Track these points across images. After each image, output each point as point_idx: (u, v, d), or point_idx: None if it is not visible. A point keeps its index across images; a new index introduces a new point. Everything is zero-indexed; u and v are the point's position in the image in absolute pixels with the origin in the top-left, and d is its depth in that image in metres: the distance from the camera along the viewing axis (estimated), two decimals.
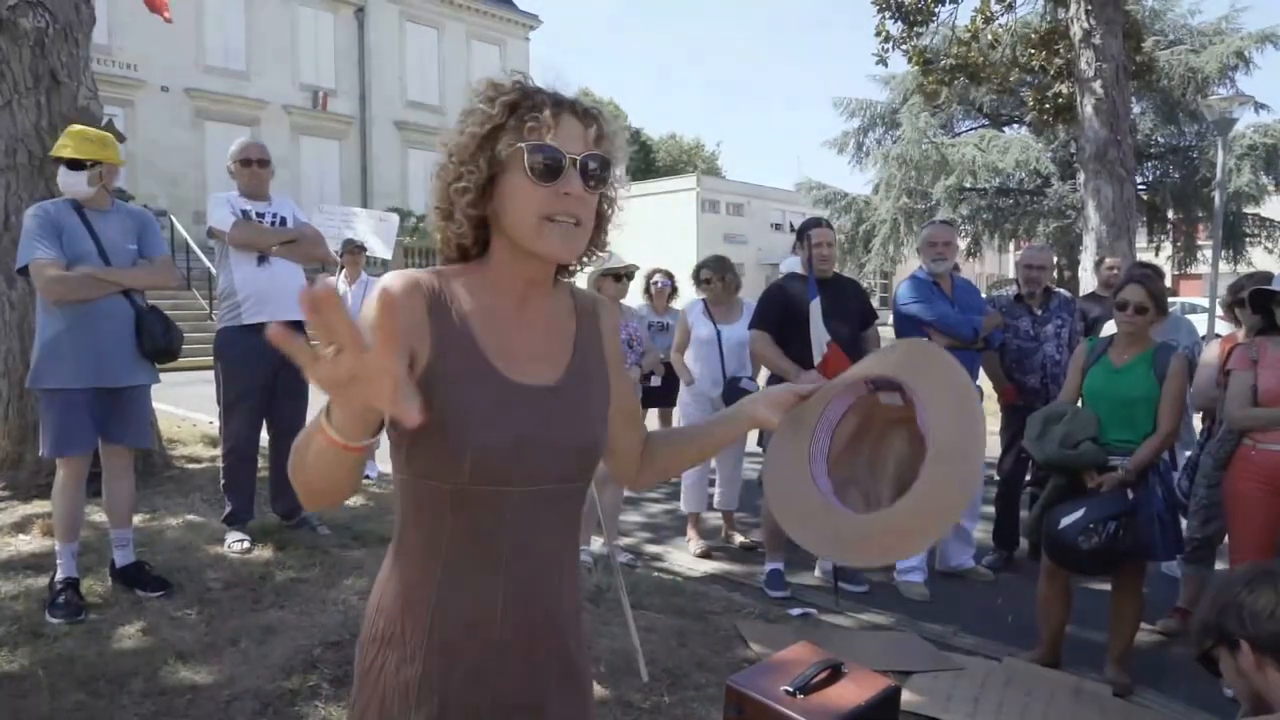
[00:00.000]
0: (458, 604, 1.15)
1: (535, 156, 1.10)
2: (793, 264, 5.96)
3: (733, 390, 4.89)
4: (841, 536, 1.26)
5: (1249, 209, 20.71)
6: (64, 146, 3.57)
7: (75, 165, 3.54)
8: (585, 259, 1.24)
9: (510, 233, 1.15)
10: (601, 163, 1.14)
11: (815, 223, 4.43)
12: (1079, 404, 3.51)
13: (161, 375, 3.85)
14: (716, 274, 5.15)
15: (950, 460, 1.19)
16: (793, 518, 1.32)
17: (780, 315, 4.25)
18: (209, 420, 8.02)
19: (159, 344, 3.63)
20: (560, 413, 1.18)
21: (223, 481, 4.49)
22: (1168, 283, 4.86)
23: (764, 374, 5.04)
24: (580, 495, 1.24)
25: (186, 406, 8.52)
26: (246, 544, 4.30)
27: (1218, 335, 6.14)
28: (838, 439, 1.34)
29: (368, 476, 6.20)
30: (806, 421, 1.34)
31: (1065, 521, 3.18)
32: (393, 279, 1.14)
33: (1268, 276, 3.99)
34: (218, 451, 6.13)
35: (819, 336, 4.05)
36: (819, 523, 1.28)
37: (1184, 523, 3.74)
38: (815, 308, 4.07)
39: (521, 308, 1.20)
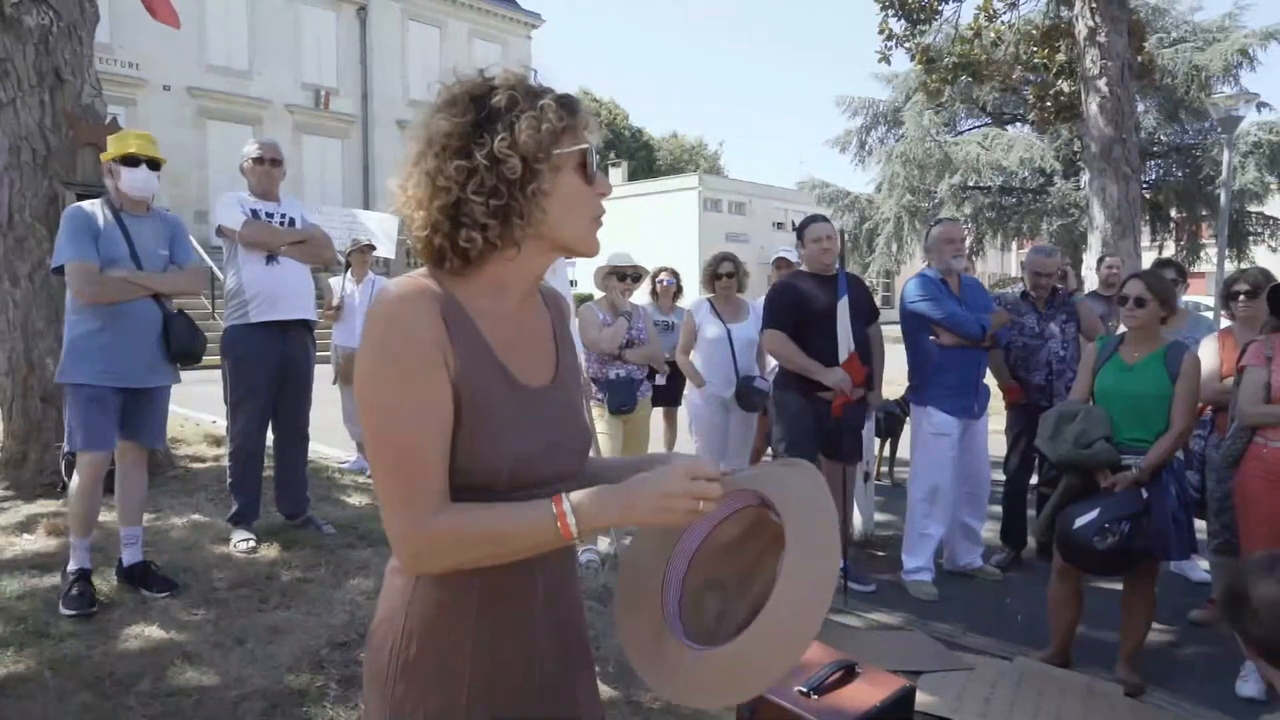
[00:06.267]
0: (500, 614, 1.16)
1: (590, 157, 1.12)
2: (785, 253, 5.97)
3: (747, 389, 4.88)
4: (664, 668, 1.16)
5: (1253, 207, 20.66)
6: (129, 146, 3.65)
7: (153, 165, 3.65)
8: None
9: (549, 231, 1.13)
10: None
11: (812, 220, 4.43)
12: (1090, 403, 3.49)
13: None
14: (737, 266, 5.15)
15: (783, 623, 1.07)
16: (629, 632, 1.23)
17: (796, 314, 4.21)
18: (212, 419, 8.01)
19: (186, 347, 3.71)
20: (562, 411, 1.21)
21: (229, 480, 4.47)
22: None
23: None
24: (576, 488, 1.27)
25: (190, 406, 8.48)
26: (252, 543, 4.29)
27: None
28: (715, 538, 1.25)
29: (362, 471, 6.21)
30: None
31: (1080, 522, 3.15)
32: (406, 292, 1.09)
33: (1265, 272, 4.00)
34: (222, 451, 6.11)
35: (846, 335, 4.03)
36: (651, 648, 1.19)
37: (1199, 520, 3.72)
38: (844, 306, 4.05)
39: (519, 308, 1.19)
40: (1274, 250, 20.89)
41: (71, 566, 3.57)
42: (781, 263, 5.92)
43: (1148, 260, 10.45)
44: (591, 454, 1.32)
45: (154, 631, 3.33)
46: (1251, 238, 21.19)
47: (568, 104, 1.12)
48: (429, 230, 1.11)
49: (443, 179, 1.08)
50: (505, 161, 1.07)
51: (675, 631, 1.18)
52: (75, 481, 3.59)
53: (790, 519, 1.12)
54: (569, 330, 1.32)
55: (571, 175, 1.12)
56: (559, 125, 1.10)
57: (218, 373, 4.47)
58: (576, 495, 1.05)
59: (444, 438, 1.08)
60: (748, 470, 1.28)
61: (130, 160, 3.61)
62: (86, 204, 3.65)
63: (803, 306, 4.20)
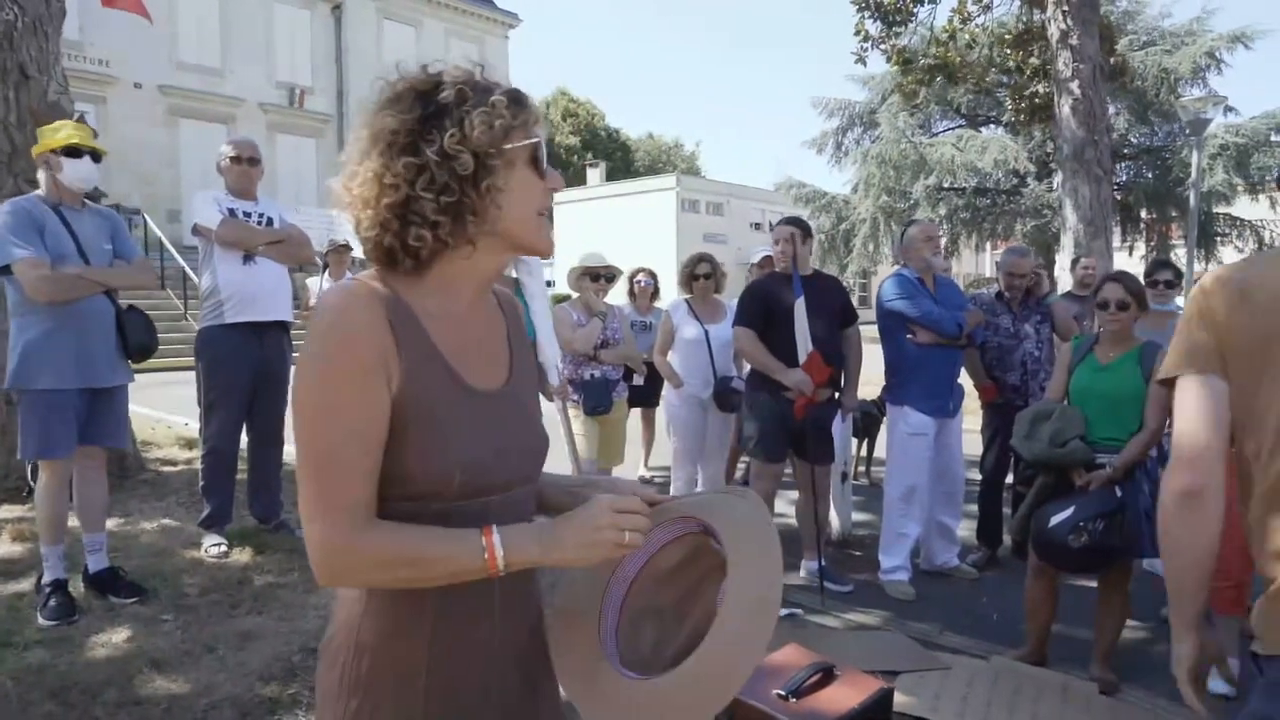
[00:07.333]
0: (456, 624, 1.13)
1: (542, 152, 1.11)
2: (767, 252, 5.98)
3: (724, 389, 4.87)
4: (597, 695, 1.14)
5: (1220, 209, 21.01)
6: (71, 136, 3.50)
7: (95, 156, 3.54)
8: None
9: (504, 228, 1.11)
10: None
11: (780, 221, 4.47)
12: (1065, 402, 3.51)
13: (136, 376, 3.78)
14: (714, 266, 5.15)
15: (721, 657, 1.05)
16: (563, 657, 1.21)
17: (764, 313, 4.25)
18: (184, 422, 7.89)
19: (143, 343, 3.64)
20: (516, 415, 1.18)
21: (201, 483, 4.40)
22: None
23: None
24: (534, 494, 1.25)
25: (161, 408, 8.37)
26: (224, 548, 4.22)
27: None
28: (654, 565, 1.23)
29: None
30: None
31: (1055, 520, 3.17)
32: (349, 295, 1.06)
33: None
34: (193, 454, 6.03)
35: (804, 335, 4.05)
36: (585, 674, 1.17)
37: None
38: (800, 307, 4.06)
39: (471, 310, 1.17)
40: (1241, 251, 21.26)
41: (46, 578, 3.50)
42: (766, 262, 5.93)
43: (1119, 260, 10.60)
44: (572, 456, 1.31)
45: (121, 639, 3.27)
46: (1219, 238, 21.55)
47: (517, 98, 1.11)
48: (378, 230, 1.08)
49: (390, 176, 1.06)
50: (457, 158, 1.05)
51: (611, 659, 1.16)
52: (40, 487, 3.50)
53: (732, 550, 1.11)
54: (524, 333, 1.30)
55: (524, 170, 1.11)
56: (511, 121, 1.08)
57: (189, 374, 4.39)
58: (507, 529, 1.05)
59: (374, 447, 1.04)
60: (692, 496, 1.27)
61: (73, 151, 3.48)
62: (23, 199, 3.51)
63: (771, 306, 4.24)
